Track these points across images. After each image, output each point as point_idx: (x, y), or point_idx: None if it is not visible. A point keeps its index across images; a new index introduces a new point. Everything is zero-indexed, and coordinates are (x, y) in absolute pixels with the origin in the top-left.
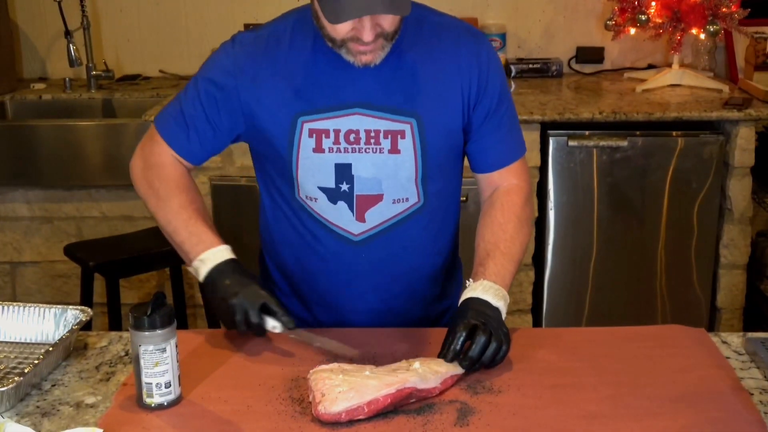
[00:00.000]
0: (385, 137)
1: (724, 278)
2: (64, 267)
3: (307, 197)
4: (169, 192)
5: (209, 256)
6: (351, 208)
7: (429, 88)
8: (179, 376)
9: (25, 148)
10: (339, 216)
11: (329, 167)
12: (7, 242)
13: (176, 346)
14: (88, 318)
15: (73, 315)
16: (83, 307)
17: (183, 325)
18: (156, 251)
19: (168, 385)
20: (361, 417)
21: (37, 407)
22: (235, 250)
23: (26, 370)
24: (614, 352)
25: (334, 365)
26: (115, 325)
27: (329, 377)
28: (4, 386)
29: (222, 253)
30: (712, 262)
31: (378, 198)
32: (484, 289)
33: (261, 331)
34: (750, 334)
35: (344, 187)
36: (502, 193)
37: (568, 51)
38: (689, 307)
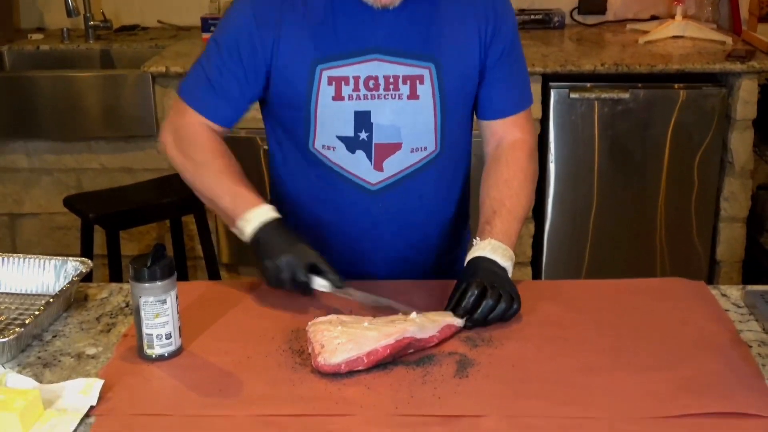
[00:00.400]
0: (404, 83)
1: (724, 231)
2: (64, 219)
3: (324, 147)
4: (206, 159)
5: (253, 215)
6: (369, 157)
7: (447, 32)
8: (180, 328)
9: (24, 99)
10: (356, 165)
11: (348, 115)
12: (6, 194)
13: (176, 298)
14: (88, 269)
15: (73, 266)
16: (83, 258)
17: (183, 276)
18: (156, 203)
19: (168, 336)
20: (360, 368)
21: (39, 358)
22: None
23: (27, 321)
24: (614, 305)
25: (333, 317)
26: (116, 276)
27: (328, 329)
28: (5, 337)
29: (266, 212)
30: (713, 215)
31: (396, 146)
32: (493, 248)
33: (308, 290)
34: (749, 287)
35: (363, 135)
36: (507, 148)
37: (570, 2)
38: (689, 260)
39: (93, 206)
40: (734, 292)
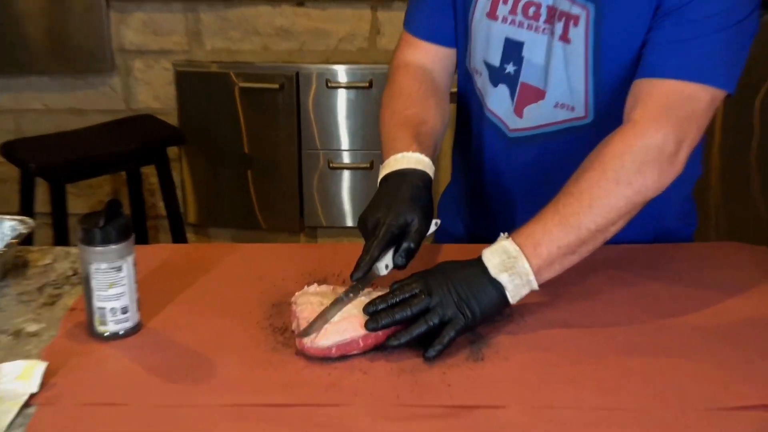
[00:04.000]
0: (559, 19)
1: None
2: (0, 169)
3: (474, 69)
4: (396, 107)
5: (392, 161)
6: (512, 95)
7: None
8: (138, 300)
9: None
10: (498, 101)
11: (498, 40)
12: None
13: (134, 265)
14: (29, 230)
15: (10, 226)
16: (23, 217)
17: (142, 239)
18: (110, 151)
19: (125, 310)
20: (355, 352)
21: None
22: (203, 146)
23: None
24: (658, 274)
25: (325, 287)
26: (62, 239)
27: (319, 303)
28: None
29: (406, 160)
30: None
31: (540, 94)
32: (495, 251)
33: (370, 260)
34: None
35: (509, 68)
36: (624, 129)
37: None
38: (747, 221)
39: (34, 154)
40: None
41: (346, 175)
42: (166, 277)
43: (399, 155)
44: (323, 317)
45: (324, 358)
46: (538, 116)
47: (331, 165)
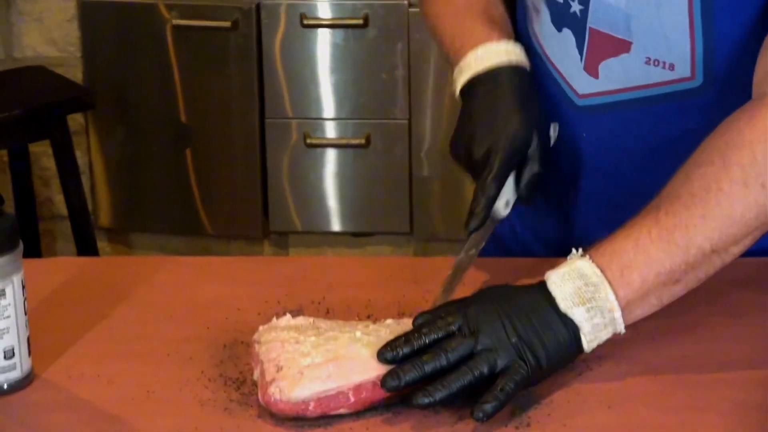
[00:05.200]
0: None
1: None
2: None
3: (533, 5)
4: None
5: (471, 60)
6: (580, 45)
7: None
8: (28, 339)
9: None
10: (562, 53)
11: None
12: None
13: (23, 288)
14: None
15: None
16: None
17: (33, 249)
18: None
19: (10, 354)
20: (342, 411)
21: None
22: (120, 113)
23: None
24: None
25: (302, 319)
26: None
27: (293, 339)
28: None
29: (492, 53)
30: None
31: (623, 45)
32: (567, 275)
33: (488, 200)
34: None
35: (575, 6)
36: (753, 114)
37: None
38: None
39: None
40: None
41: (330, 156)
42: (69, 305)
43: (480, 50)
44: (447, 287)
45: (297, 419)
46: (620, 75)
47: (308, 141)
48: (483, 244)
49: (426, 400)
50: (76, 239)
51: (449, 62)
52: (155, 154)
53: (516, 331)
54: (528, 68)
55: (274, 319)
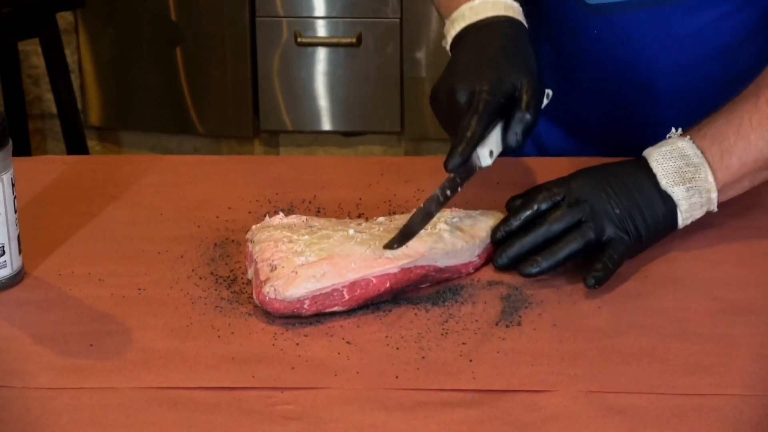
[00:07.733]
0: None
1: None
2: None
3: None
4: None
5: (465, 10)
6: None
7: None
8: (19, 237)
9: None
10: None
11: None
12: None
13: (13, 186)
14: None
15: None
16: None
17: (23, 148)
18: None
19: (0, 252)
20: (336, 309)
21: None
22: (110, 10)
23: None
24: None
25: (294, 217)
26: None
27: (286, 238)
28: None
29: (488, 5)
30: None
31: None
32: (668, 153)
33: (472, 139)
34: None
35: None
36: None
37: None
38: None
39: None
40: None
41: (321, 55)
42: (59, 204)
43: (476, 1)
44: (409, 229)
45: (291, 317)
46: None
47: (299, 40)
48: (459, 190)
49: (534, 269)
50: (65, 138)
51: (442, 15)
52: (145, 53)
53: (620, 203)
54: (525, 25)
55: (267, 217)
